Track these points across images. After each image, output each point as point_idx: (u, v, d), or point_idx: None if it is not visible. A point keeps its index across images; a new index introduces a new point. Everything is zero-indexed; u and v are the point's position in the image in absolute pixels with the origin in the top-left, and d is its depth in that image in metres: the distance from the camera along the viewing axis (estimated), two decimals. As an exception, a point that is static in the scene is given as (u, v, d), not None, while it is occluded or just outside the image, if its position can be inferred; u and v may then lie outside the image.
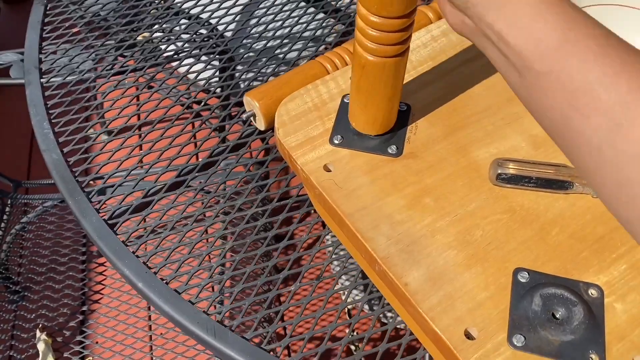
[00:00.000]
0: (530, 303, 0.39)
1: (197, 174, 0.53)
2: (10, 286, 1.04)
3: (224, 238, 0.52)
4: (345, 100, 0.51)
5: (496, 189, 0.45)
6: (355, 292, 1.08)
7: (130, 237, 0.50)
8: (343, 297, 0.52)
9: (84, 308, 0.96)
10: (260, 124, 0.57)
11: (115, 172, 0.55)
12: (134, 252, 0.49)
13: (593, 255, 0.42)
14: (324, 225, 0.59)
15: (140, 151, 0.58)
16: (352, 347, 1.14)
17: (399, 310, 0.47)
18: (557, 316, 0.39)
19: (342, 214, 0.44)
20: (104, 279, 0.96)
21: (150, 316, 0.93)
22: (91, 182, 0.54)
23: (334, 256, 0.53)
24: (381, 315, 1.18)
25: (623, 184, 0.28)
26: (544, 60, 0.29)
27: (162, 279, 0.47)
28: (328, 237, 0.97)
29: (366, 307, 1.19)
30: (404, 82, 0.52)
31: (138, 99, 0.65)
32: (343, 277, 1.07)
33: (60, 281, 0.94)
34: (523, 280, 0.41)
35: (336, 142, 0.48)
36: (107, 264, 0.98)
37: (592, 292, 0.40)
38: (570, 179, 0.44)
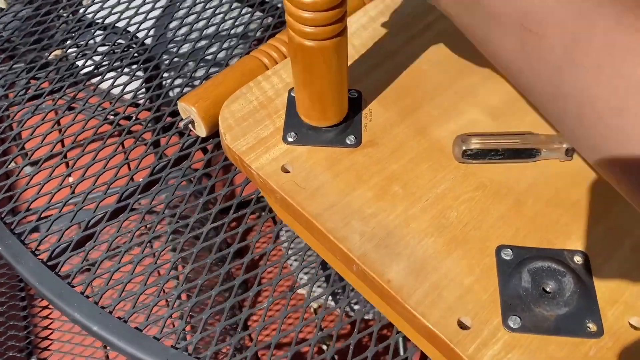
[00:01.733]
0: (520, 281, 0.38)
1: (139, 196, 0.48)
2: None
3: (180, 262, 0.47)
4: (292, 94, 0.47)
5: (463, 167, 0.43)
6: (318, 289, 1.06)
7: (75, 277, 0.44)
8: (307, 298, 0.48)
9: (32, 359, 0.87)
10: (201, 131, 0.52)
11: (48, 207, 0.49)
12: (82, 293, 0.44)
13: (572, 221, 0.40)
14: (277, 237, 0.55)
15: (72, 180, 0.52)
16: (324, 347, 1.12)
17: (383, 310, 0.44)
18: (548, 290, 0.37)
19: (309, 215, 0.41)
20: (51, 323, 0.88)
21: (107, 355, 0.86)
22: (21, 221, 0.48)
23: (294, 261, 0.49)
24: (348, 309, 1.16)
25: (584, 103, 0.25)
26: None
27: (119, 318, 0.42)
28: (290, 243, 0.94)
29: (331, 302, 1.17)
30: (351, 67, 0.49)
31: (59, 124, 0.59)
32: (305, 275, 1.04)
33: (1, 333, 0.85)
34: (507, 258, 0.39)
35: (290, 139, 0.45)
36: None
37: (578, 259, 0.39)
38: (537, 146, 0.42)
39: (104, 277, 0.45)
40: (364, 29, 0.52)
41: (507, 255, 0.39)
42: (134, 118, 0.60)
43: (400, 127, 0.45)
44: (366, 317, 0.49)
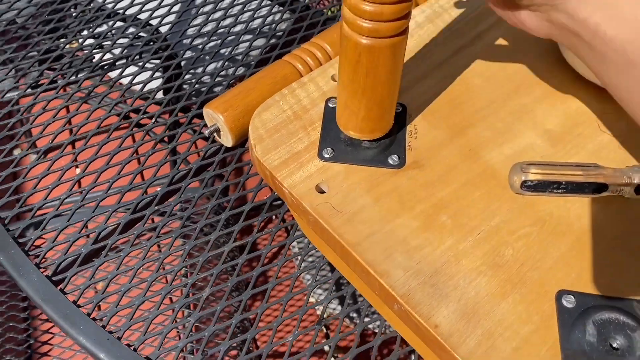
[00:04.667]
0: (583, 333, 0.33)
1: (155, 207, 0.44)
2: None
3: (194, 285, 0.43)
4: (331, 104, 0.43)
5: (519, 198, 0.39)
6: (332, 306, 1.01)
7: (82, 295, 0.40)
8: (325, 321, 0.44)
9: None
10: (227, 140, 0.48)
11: (56, 214, 0.45)
12: (89, 314, 0.39)
13: (641, 266, 0.36)
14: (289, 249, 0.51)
15: (83, 186, 0.48)
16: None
17: (423, 352, 0.40)
18: (616, 346, 0.33)
19: (346, 244, 0.36)
20: (51, 338, 0.82)
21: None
22: (25, 230, 0.44)
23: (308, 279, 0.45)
24: (354, 314, 1.09)
25: None
26: None
27: (128, 345, 0.38)
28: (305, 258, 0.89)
29: (338, 307, 1.12)
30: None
31: (70, 122, 0.55)
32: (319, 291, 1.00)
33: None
34: (569, 306, 0.34)
35: (326, 156, 0.40)
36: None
37: (649, 311, 0.34)
38: (603, 180, 0.38)
39: (113, 297, 0.41)
40: (409, 37, 0.47)
41: (568, 302, 0.34)
42: (154, 119, 0.56)
43: (449, 148, 0.41)
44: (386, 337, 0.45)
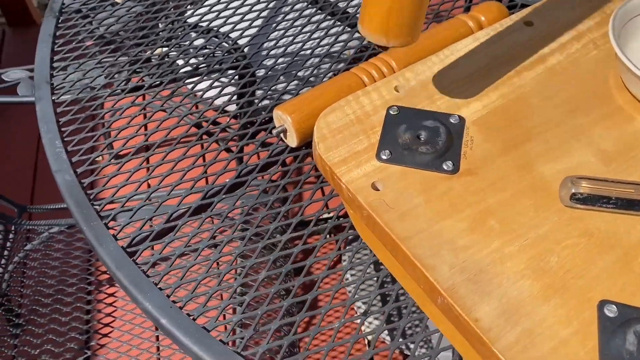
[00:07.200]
0: (624, 342, 0.34)
1: (223, 196, 0.48)
2: (12, 318, 0.97)
3: (256, 269, 0.46)
4: (391, 112, 0.46)
5: (568, 210, 0.40)
6: (376, 322, 1.02)
7: (151, 267, 0.44)
8: (362, 327, 0.46)
9: (92, 343, 0.89)
10: (292, 141, 0.52)
11: (134, 195, 0.50)
12: (156, 284, 0.43)
13: (689, 285, 0.36)
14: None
15: (161, 172, 0.53)
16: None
17: (465, 352, 0.41)
18: (656, 357, 0.33)
19: (396, 238, 0.39)
20: (114, 311, 0.90)
21: (160, 352, 0.86)
22: (106, 207, 0.49)
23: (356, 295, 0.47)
24: (403, 347, 1.09)
25: None
26: None
27: (188, 315, 0.42)
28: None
29: (387, 338, 1.13)
30: (455, 93, 0.47)
31: (146, 128, 0.60)
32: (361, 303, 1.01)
33: (67, 313, 0.87)
34: (611, 315, 0.35)
35: (384, 157, 0.43)
36: (118, 294, 0.91)
37: (693, 328, 0.34)
38: (655, 198, 0.39)
39: (179, 272, 0.45)
40: (472, 54, 0.50)
41: (610, 311, 0.35)
42: (227, 122, 0.61)
43: (503, 159, 0.43)
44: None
